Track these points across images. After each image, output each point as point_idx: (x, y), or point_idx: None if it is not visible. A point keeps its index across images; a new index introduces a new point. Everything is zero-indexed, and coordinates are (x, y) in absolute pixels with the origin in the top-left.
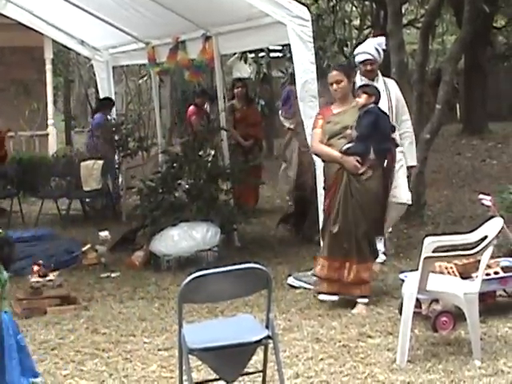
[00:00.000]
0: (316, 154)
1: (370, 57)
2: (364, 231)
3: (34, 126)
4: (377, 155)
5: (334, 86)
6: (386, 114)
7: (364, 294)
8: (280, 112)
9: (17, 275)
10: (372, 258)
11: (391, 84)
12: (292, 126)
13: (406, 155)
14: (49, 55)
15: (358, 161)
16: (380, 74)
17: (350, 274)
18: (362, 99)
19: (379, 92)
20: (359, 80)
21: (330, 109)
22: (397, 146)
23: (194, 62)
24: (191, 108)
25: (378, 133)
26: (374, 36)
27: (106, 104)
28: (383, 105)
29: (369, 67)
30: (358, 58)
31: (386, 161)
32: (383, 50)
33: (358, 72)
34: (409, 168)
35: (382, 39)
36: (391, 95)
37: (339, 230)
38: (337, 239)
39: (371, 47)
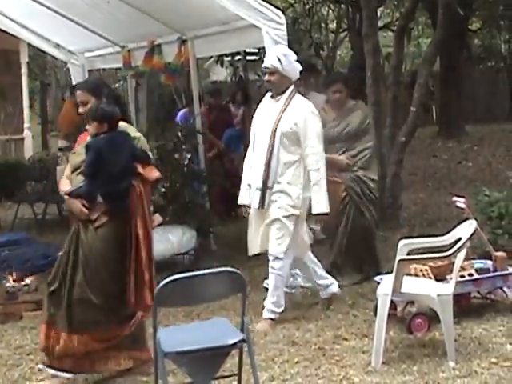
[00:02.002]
0: None
1: (268, 65)
2: (85, 293)
3: (9, 130)
4: (106, 199)
5: (80, 109)
6: (127, 141)
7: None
8: None
9: None
10: (99, 328)
11: (298, 107)
12: None
13: (312, 199)
14: (24, 59)
15: (84, 205)
16: (290, 92)
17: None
18: (92, 128)
19: (112, 114)
20: (266, 98)
21: (86, 135)
22: (157, 181)
23: (170, 65)
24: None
25: (104, 171)
26: (349, 39)
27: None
28: (263, 133)
29: (267, 77)
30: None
31: (123, 204)
32: (299, 63)
33: None
34: (316, 215)
35: (286, 50)
36: (282, 122)
37: (56, 289)
38: (52, 301)
39: (273, 55)
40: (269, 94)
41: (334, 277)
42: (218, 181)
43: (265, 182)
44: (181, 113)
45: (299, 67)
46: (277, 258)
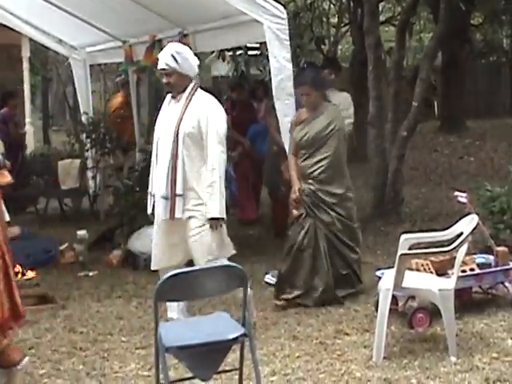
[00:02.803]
0: None
1: (164, 66)
2: None
3: None
4: None
5: None
6: None
7: None
8: None
9: None
10: None
11: (200, 104)
12: None
13: (206, 203)
14: (26, 53)
15: None
16: (191, 89)
17: None
18: None
19: None
20: (167, 99)
21: None
22: (8, 186)
23: None
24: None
25: None
26: (350, 34)
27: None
28: (166, 136)
29: (165, 79)
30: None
31: None
32: (198, 63)
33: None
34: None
35: (180, 46)
36: (184, 122)
37: None
38: None
39: (167, 55)
40: (170, 95)
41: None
42: (244, 183)
43: (172, 190)
44: None
45: (196, 61)
46: None
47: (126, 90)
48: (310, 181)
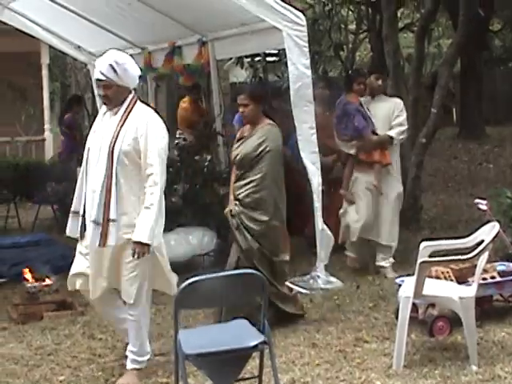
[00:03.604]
0: None
1: (100, 76)
2: None
3: (30, 132)
4: None
5: None
6: None
7: None
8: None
9: (13, 280)
10: None
11: (138, 119)
12: (352, 152)
13: (136, 224)
14: (45, 60)
15: None
16: (129, 102)
17: None
18: None
19: None
20: (103, 110)
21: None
22: None
23: (190, 66)
24: None
25: None
26: (369, 40)
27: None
28: (99, 153)
29: (102, 91)
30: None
31: None
32: (141, 74)
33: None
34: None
35: (118, 55)
36: (120, 138)
37: None
38: None
39: (105, 64)
40: (105, 107)
41: None
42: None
43: (105, 214)
44: (237, 115)
45: (137, 72)
46: (133, 304)
47: (194, 94)
48: (237, 202)
